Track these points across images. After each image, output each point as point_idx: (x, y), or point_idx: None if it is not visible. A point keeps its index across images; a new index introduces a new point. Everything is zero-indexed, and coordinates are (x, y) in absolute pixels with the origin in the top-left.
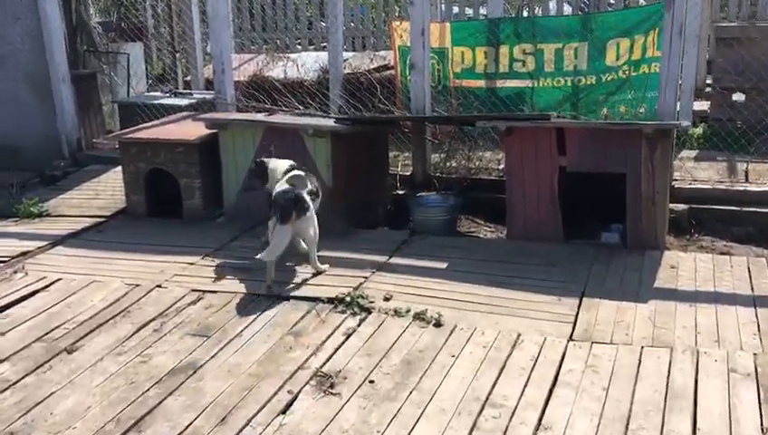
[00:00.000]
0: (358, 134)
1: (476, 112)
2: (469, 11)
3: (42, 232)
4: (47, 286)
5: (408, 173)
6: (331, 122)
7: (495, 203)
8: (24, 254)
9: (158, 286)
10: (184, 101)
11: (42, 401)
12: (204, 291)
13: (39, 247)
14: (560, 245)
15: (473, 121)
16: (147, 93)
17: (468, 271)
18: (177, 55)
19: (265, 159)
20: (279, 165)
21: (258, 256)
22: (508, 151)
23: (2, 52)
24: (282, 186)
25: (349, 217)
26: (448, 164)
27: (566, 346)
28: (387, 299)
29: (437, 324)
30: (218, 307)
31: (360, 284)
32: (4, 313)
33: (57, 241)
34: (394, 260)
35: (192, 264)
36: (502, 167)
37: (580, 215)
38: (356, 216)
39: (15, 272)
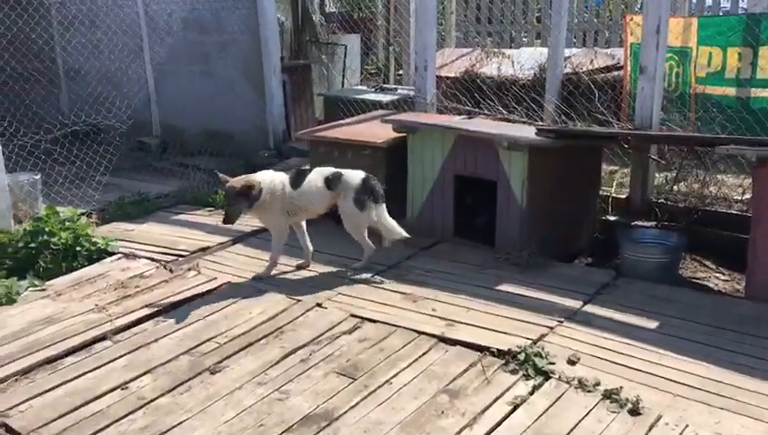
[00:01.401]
0: (563, 148)
1: (719, 129)
2: (726, 4)
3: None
4: (213, 290)
5: (624, 196)
6: (532, 133)
7: (733, 244)
8: (203, 250)
9: (319, 305)
10: (386, 97)
11: (166, 432)
12: (363, 318)
13: (219, 244)
14: None
15: (711, 144)
16: (354, 87)
17: (686, 338)
18: (391, 49)
19: (342, 171)
20: (354, 177)
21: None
22: (759, 184)
23: (223, 40)
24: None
25: (542, 244)
26: (675, 188)
27: None
28: (572, 362)
29: (634, 411)
30: (373, 341)
31: (542, 336)
32: (165, 315)
33: (238, 238)
34: (590, 308)
35: (360, 282)
36: (747, 198)
37: None
38: (551, 244)
39: (190, 269)
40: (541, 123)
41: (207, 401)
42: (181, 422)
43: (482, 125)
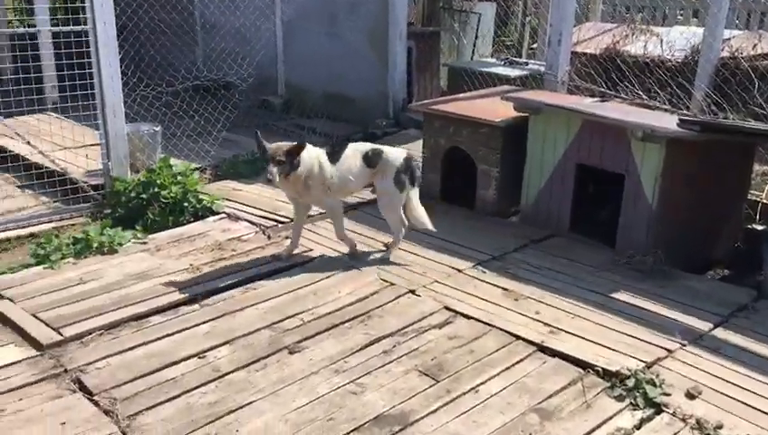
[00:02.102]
0: (708, 143)
1: None
2: None
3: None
4: (307, 262)
5: None
6: (673, 123)
7: None
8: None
9: (412, 292)
10: (515, 72)
11: (234, 411)
12: (456, 312)
13: (322, 213)
14: None
15: None
16: (482, 59)
17: None
18: (528, 20)
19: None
20: (395, 155)
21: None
22: None
23: (352, 1)
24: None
25: (670, 251)
26: None
27: None
28: (691, 396)
29: None
30: (464, 340)
31: (658, 359)
32: (255, 283)
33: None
34: (720, 333)
35: (460, 271)
36: None
37: None
38: (681, 251)
39: (287, 237)
40: (685, 113)
41: (281, 384)
42: (250, 403)
43: (615, 110)
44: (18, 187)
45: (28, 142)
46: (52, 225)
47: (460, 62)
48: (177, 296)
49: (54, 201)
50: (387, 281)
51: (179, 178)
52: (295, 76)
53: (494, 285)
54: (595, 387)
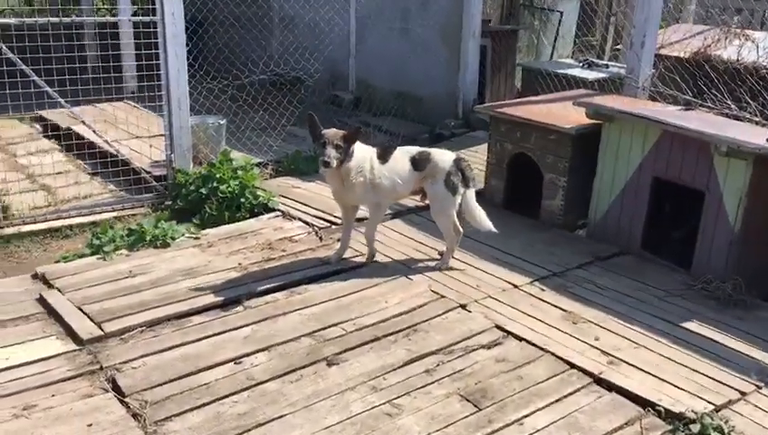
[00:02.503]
0: None
1: None
2: None
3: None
4: (358, 267)
5: None
6: (763, 138)
7: None
8: (358, 220)
9: (463, 307)
10: (593, 75)
11: (263, 425)
12: (508, 333)
13: None
14: None
15: None
16: (560, 60)
17: None
18: (613, 19)
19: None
20: (444, 157)
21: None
22: None
23: None
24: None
25: (753, 279)
26: None
27: None
28: None
29: None
30: (513, 365)
31: (729, 402)
32: (302, 286)
33: (398, 213)
34: None
35: (516, 287)
36: None
37: None
38: (764, 280)
39: (339, 240)
40: None
41: (314, 398)
42: (281, 416)
43: (699, 121)
44: (89, 174)
45: (95, 131)
46: (114, 214)
47: (535, 62)
48: (221, 296)
49: (120, 190)
50: (437, 293)
51: (239, 172)
52: (366, 72)
53: (553, 305)
54: (655, 429)
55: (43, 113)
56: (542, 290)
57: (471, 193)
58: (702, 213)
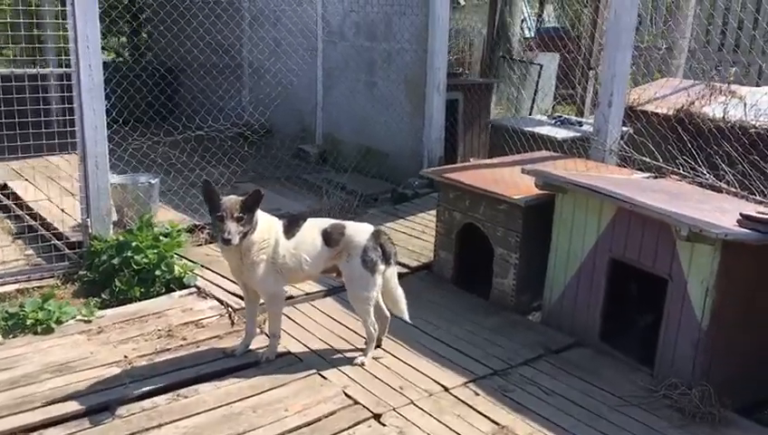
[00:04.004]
0: None
1: None
2: None
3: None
4: (266, 361)
5: None
6: (733, 220)
7: None
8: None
9: (377, 418)
10: (563, 133)
11: None
12: None
13: (307, 294)
14: None
15: None
16: (531, 117)
17: None
18: (591, 73)
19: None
20: (360, 230)
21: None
22: None
23: (390, 49)
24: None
25: (724, 386)
26: None
27: None
28: None
29: None
30: None
31: None
32: (190, 388)
33: (333, 290)
34: None
35: (447, 389)
36: None
37: None
38: (740, 386)
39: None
40: (763, 199)
41: None
42: None
43: (664, 194)
44: (12, 235)
45: (35, 188)
46: (17, 286)
47: (502, 119)
48: (87, 402)
49: (38, 256)
50: (350, 398)
51: (162, 239)
52: (333, 126)
53: (485, 416)
54: None
55: None
56: (476, 395)
57: (392, 271)
58: (665, 304)
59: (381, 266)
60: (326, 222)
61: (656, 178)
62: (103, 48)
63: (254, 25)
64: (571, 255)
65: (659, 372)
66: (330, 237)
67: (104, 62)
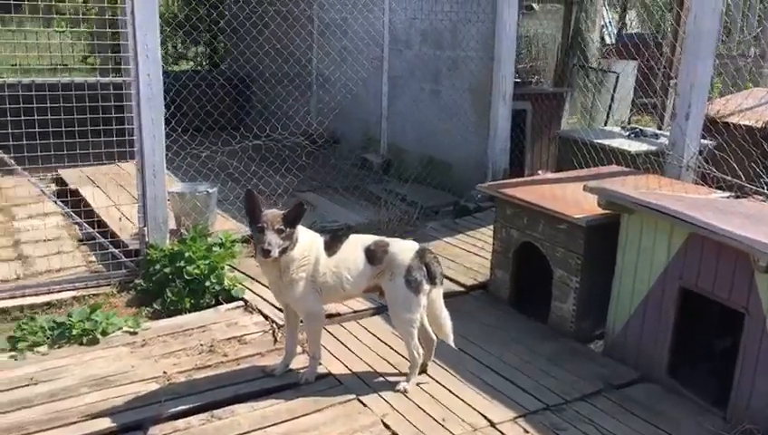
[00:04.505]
0: None
1: None
2: None
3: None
4: (306, 383)
5: None
6: None
7: None
8: (331, 316)
9: None
10: (636, 146)
11: None
12: None
13: (355, 311)
14: None
15: None
16: (605, 128)
17: None
18: (672, 82)
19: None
20: (404, 248)
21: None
22: None
23: (455, 57)
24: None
25: None
26: None
27: None
28: None
29: None
30: None
31: None
32: (224, 409)
33: (383, 307)
34: None
35: (493, 425)
36: None
37: None
38: None
39: None
40: None
41: None
42: None
43: (743, 218)
44: (78, 241)
45: (105, 194)
46: (74, 293)
47: (572, 130)
48: (122, 420)
49: (99, 263)
50: (389, 428)
51: (214, 250)
52: (397, 135)
53: None
54: None
55: (61, 172)
56: (525, 432)
57: (438, 292)
58: (741, 339)
59: (426, 287)
60: (369, 239)
61: (737, 197)
62: (182, 57)
63: (324, 34)
64: (637, 281)
65: (733, 416)
66: (373, 255)
67: (178, 72)
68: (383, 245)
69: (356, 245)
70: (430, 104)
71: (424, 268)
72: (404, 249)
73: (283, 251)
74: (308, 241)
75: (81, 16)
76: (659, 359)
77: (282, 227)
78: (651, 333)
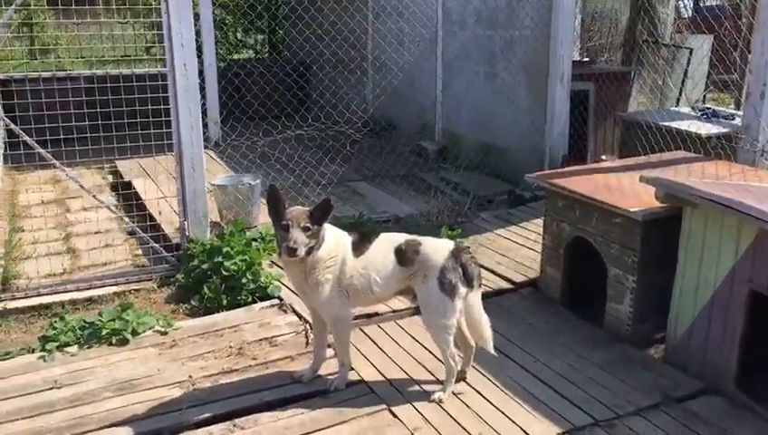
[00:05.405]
0: None
1: None
2: None
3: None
4: (334, 390)
5: None
6: None
7: None
8: (369, 316)
9: None
10: (708, 129)
11: None
12: None
13: (394, 311)
14: None
15: None
16: (676, 109)
17: None
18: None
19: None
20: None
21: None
22: None
23: (510, 36)
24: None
25: None
26: None
27: None
28: None
29: None
30: None
31: None
32: (250, 417)
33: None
34: None
35: None
36: None
37: None
38: None
39: (330, 345)
40: None
41: None
42: None
43: None
44: (128, 233)
45: (156, 186)
46: (115, 289)
47: (635, 112)
48: (141, 427)
49: (145, 256)
50: None
51: (254, 244)
52: (452, 120)
53: None
54: None
55: (118, 163)
56: None
57: (476, 296)
58: None
59: (462, 290)
60: (401, 237)
61: None
62: (243, 45)
63: (380, 17)
64: (701, 282)
65: None
66: (403, 256)
67: (231, 61)
68: (414, 244)
69: (386, 244)
70: (484, 87)
71: (460, 269)
72: (437, 249)
73: (310, 250)
74: (335, 240)
75: (141, 7)
76: (726, 368)
77: (308, 224)
78: (717, 339)
